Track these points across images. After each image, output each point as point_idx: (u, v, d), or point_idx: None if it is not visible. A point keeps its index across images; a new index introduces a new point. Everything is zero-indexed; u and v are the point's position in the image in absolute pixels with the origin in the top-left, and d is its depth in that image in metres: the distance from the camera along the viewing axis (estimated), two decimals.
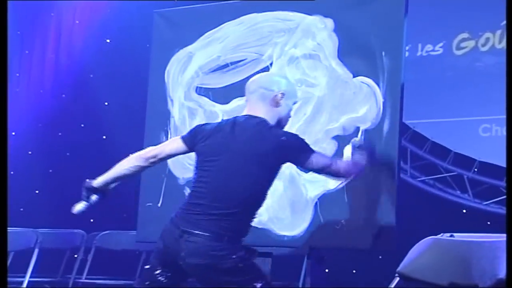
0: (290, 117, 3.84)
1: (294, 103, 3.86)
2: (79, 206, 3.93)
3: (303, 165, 3.67)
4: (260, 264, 3.69)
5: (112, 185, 3.93)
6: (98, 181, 3.91)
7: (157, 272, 3.62)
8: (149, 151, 3.85)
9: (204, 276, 3.56)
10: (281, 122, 3.77)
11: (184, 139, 3.81)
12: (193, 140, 3.77)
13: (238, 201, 3.56)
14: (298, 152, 3.62)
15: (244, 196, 3.57)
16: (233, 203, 3.55)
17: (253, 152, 3.58)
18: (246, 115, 3.72)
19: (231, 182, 3.57)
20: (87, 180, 3.93)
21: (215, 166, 3.63)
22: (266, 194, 3.68)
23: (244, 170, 3.58)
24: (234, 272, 3.48)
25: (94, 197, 3.93)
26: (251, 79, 3.86)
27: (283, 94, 3.72)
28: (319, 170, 3.69)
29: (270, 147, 3.58)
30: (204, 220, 3.53)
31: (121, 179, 3.90)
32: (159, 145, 3.90)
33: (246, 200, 3.58)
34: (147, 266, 3.68)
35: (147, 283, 3.66)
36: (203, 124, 3.88)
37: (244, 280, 3.51)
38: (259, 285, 3.50)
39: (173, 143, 3.86)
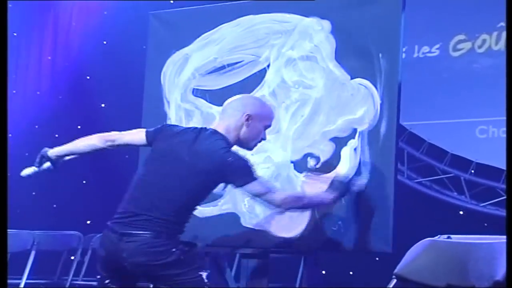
0: (263, 139, 3.87)
1: (267, 126, 3.87)
2: (28, 171, 4.07)
3: (240, 188, 3.70)
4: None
5: (66, 158, 4.06)
6: (54, 151, 4.04)
7: (107, 281, 3.67)
8: (111, 135, 3.93)
9: (150, 274, 3.60)
10: (243, 143, 3.81)
11: (148, 133, 3.85)
12: (155, 136, 3.82)
13: (173, 210, 3.62)
14: (238, 176, 3.65)
15: (178, 206, 3.63)
16: (168, 211, 3.61)
17: (196, 166, 3.64)
18: (211, 129, 3.77)
19: (168, 191, 3.64)
20: (45, 148, 4.04)
21: (160, 169, 3.70)
22: (198, 205, 3.78)
23: (183, 181, 3.64)
24: (178, 265, 3.55)
25: (46, 165, 4.04)
26: (231, 100, 3.88)
27: (248, 115, 3.76)
28: (255, 196, 3.73)
29: (213, 166, 3.63)
30: (141, 221, 3.59)
31: (76, 154, 4.07)
32: (123, 132, 3.94)
33: (179, 209, 3.64)
34: (98, 277, 3.73)
35: None
36: (173, 125, 3.98)
37: (189, 271, 3.58)
38: (205, 274, 3.61)
39: (136, 134, 3.91)
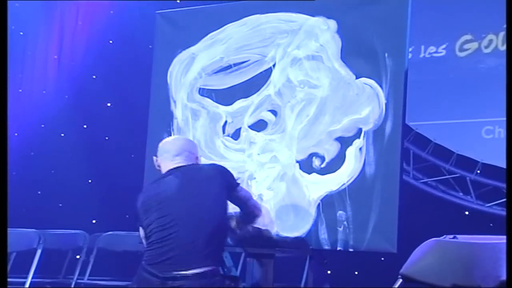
0: None
1: None
2: None
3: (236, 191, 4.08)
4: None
5: None
6: None
7: None
8: None
9: None
10: None
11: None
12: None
13: (205, 230, 3.80)
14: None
15: (209, 225, 3.85)
16: (201, 232, 3.79)
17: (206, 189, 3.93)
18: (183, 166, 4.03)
19: (193, 218, 3.84)
20: None
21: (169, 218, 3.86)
22: (227, 219, 4.05)
23: (205, 204, 3.89)
24: None
25: None
26: (171, 142, 4.18)
27: (197, 158, 4.18)
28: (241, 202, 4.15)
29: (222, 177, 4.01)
30: (184, 258, 3.74)
31: None
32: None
33: (212, 228, 3.85)
34: None
35: None
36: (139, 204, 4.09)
37: None
38: None
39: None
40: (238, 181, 4.16)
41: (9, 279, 6.38)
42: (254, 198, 4.33)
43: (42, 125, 8.24)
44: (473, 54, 6.90)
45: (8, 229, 5.67)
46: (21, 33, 8.40)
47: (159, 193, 3.96)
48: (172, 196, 3.90)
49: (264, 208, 4.35)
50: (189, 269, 3.69)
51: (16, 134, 8.11)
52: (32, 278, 5.78)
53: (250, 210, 4.20)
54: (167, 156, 4.09)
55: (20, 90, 8.35)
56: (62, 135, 8.23)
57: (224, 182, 3.98)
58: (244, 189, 4.19)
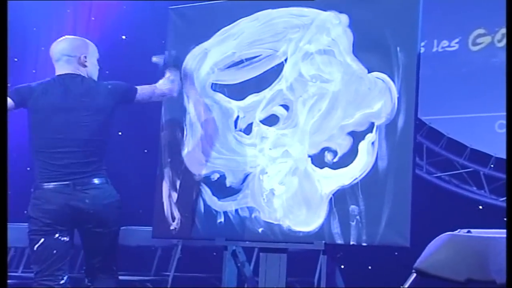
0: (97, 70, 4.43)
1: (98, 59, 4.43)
2: None
3: (134, 101, 4.40)
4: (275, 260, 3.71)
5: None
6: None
7: (57, 235, 4.01)
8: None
9: (106, 216, 4.13)
10: (92, 77, 4.36)
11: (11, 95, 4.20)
12: (21, 97, 4.23)
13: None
14: (126, 92, 4.41)
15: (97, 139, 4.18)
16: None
17: (91, 104, 4.18)
18: (66, 74, 4.24)
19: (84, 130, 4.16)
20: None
21: (58, 123, 4.15)
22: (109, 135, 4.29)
23: (87, 120, 4.16)
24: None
25: None
26: (52, 47, 4.33)
27: (85, 56, 4.32)
28: (148, 99, 4.49)
29: (103, 96, 4.25)
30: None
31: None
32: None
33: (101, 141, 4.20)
34: (42, 240, 4.04)
35: (54, 251, 3.99)
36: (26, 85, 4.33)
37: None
38: None
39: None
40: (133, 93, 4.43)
41: (23, 274, 6.43)
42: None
43: None
44: (486, 48, 6.88)
45: (22, 224, 5.72)
46: (35, 29, 8.43)
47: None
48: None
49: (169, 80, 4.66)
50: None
51: None
52: None
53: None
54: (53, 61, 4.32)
55: None
56: None
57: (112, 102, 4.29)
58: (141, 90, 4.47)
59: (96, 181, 4.12)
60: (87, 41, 4.48)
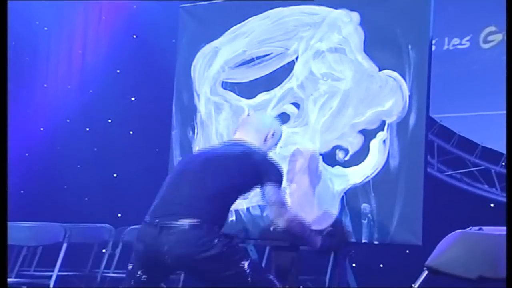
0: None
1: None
2: None
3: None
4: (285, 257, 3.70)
5: None
6: None
7: (139, 273, 3.65)
8: None
9: (191, 267, 3.57)
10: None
11: None
12: None
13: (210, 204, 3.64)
14: (269, 174, 3.77)
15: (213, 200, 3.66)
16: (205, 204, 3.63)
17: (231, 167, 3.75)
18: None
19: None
20: None
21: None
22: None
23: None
24: (220, 257, 3.50)
25: None
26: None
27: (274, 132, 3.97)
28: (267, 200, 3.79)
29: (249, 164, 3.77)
30: (181, 213, 3.58)
31: None
32: None
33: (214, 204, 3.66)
34: (130, 266, 3.72)
35: (132, 282, 3.71)
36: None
37: (231, 263, 3.53)
38: (246, 263, 3.54)
39: None
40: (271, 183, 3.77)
41: (35, 273, 6.46)
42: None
43: (68, 120, 8.29)
44: (497, 46, 6.85)
45: (35, 223, 5.76)
46: (46, 28, 8.45)
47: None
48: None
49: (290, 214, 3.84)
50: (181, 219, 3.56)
51: (42, 129, 8.18)
52: (58, 271, 5.81)
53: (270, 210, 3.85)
54: None
55: (45, 85, 8.40)
56: (87, 129, 8.27)
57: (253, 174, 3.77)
58: (272, 191, 3.75)
59: None
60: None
